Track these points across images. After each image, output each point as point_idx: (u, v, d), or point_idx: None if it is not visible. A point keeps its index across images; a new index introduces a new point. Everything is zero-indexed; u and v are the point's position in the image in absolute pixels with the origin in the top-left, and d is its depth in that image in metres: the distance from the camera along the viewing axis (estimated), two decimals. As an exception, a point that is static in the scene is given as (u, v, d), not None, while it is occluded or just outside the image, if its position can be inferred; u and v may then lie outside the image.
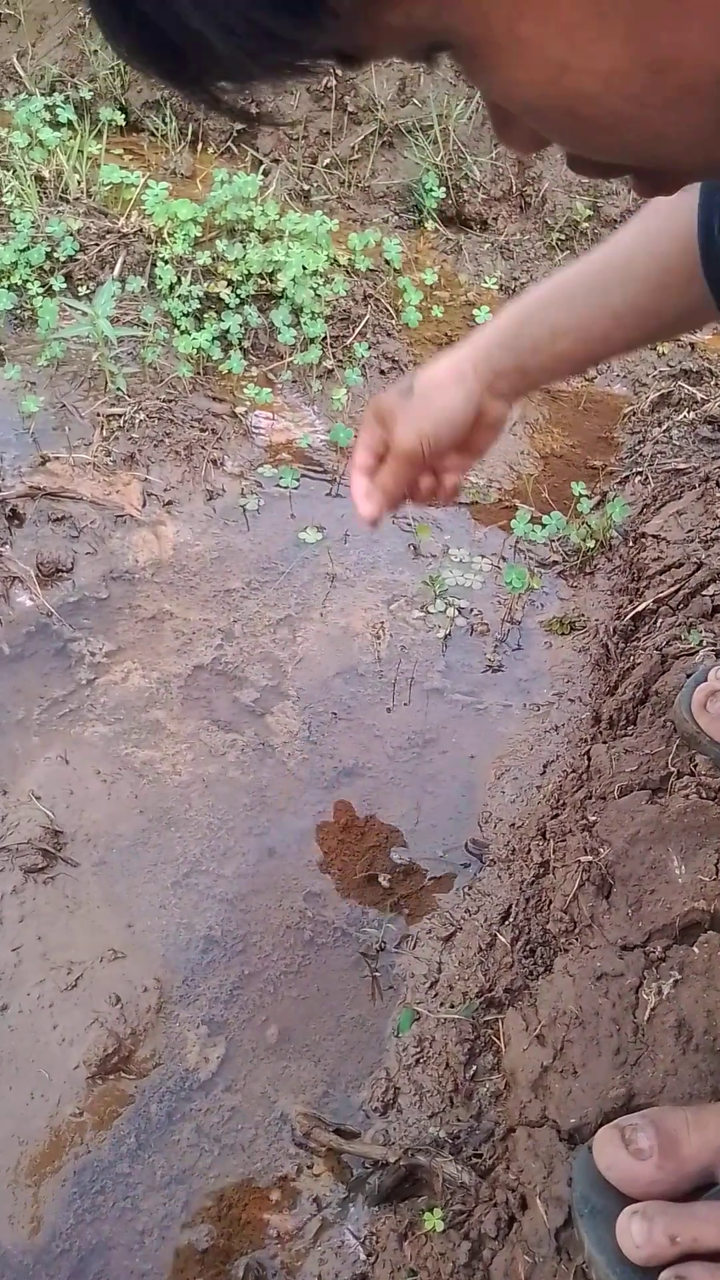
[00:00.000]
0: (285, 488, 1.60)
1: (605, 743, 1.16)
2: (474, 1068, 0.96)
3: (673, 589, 1.33)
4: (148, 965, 1.08)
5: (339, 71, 0.41)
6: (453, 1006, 1.02)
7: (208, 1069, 1.02)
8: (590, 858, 1.02)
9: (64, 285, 1.76)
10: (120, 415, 1.61)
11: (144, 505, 1.53)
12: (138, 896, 1.13)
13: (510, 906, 1.08)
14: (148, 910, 1.12)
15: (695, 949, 0.90)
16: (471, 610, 1.46)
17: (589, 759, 1.15)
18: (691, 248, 0.84)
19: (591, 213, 2.12)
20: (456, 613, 1.46)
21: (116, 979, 1.06)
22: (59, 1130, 0.97)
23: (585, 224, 2.11)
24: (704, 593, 1.31)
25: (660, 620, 1.31)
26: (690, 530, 1.42)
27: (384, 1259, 0.85)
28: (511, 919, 1.07)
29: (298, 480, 1.61)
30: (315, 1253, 0.90)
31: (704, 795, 1.03)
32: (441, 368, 0.91)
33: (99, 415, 1.61)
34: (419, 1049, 1.00)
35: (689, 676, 1.14)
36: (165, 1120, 0.98)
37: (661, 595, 1.34)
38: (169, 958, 1.09)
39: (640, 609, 1.35)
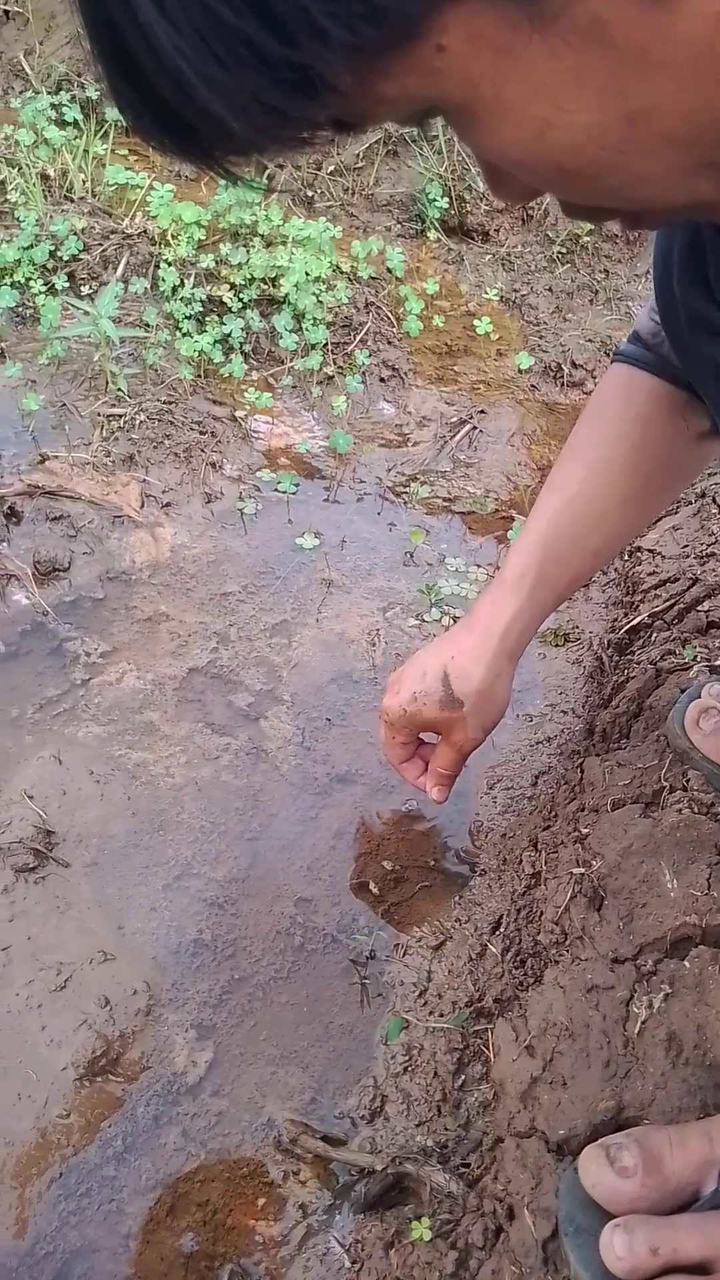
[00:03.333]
0: (283, 492, 1.60)
1: (598, 755, 1.17)
2: (462, 1077, 0.96)
3: (668, 604, 1.34)
4: (137, 968, 1.08)
5: (336, 138, 0.44)
6: (442, 1016, 1.02)
7: (196, 1073, 1.01)
8: (582, 870, 1.03)
9: (67, 284, 1.75)
10: (120, 416, 1.61)
11: (142, 506, 1.53)
12: (128, 898, 1.13)
13: (501, 917, 1.09)
14: (138, 912, 1.12)
15: (686, 963, 0.90)
16: (467, 620, 1.47)
17: (582, 771, 1.15)
18: (641, 380, 0.92)
19: (593, 226, 2.13)
20: (452, 621, 1.46)
21: (106, 981, 1.06)
22: (45, 1132, 0.96)
23: (586, 238, 2.13)
24: (699, 608, 1.31)
25: (655, 634, 1.32)
26: (686, 546, 1.43)
27: (369, 1267, 0.85)
28: (502, 929, 1.07)
29: (296, 485, 1.62)
30: (300, 1259, 0.90)
31: (696, 810, 1.04)
32: (479, 672, 0.99)
33: (99, 415, 1.61)
34: (407, 1057, 1.00)
35: (683, 692, 1.15)
36: (152, 1124, 0.98)
37: (656, 609, 1.35)
38: (159, 960, 1.08)
39: (635, 623, 1.36)
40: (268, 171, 2.13)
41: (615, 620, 1.41)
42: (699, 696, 1.11)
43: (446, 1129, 0.93)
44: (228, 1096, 1.00)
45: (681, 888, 0.97)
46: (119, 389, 1.62)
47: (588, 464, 0.94)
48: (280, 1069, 1.03)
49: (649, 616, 1.35)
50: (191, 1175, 0.95)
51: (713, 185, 0.44)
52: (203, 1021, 1.05)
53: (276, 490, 1.61)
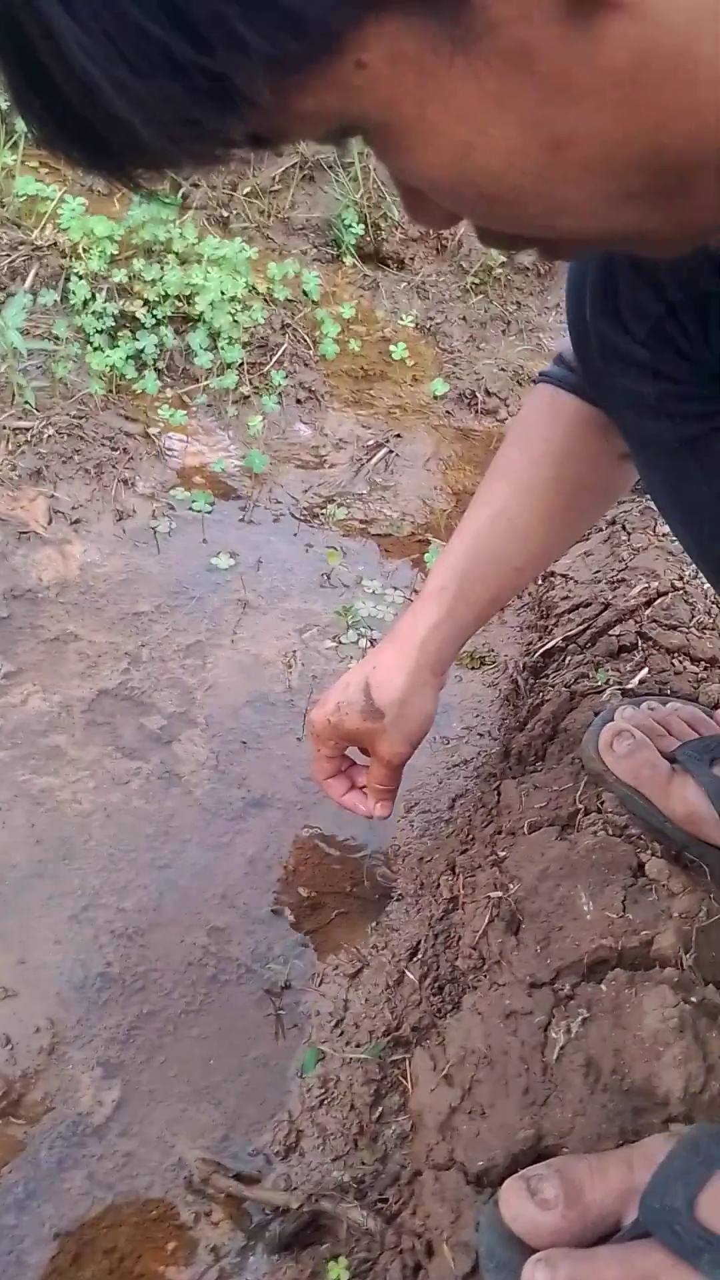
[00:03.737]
0: (198, 511, 1.58)
1: (515, 778, 1.17)
2: (380, 1109, 0.94)
3: (581, 627, 1.36)
4: (40, 1004, 1.03)
5: (253, 154, 0.43)
6: (359, 1046, 1.00)
7: (102, 1113, 0.97)
8: (500, 893, 1.02)
9: (-27, 294, 1.70)
10: (27, 430, 1.56)
11: (50, 522, 1.48)
12: (31, 931, 1.08)
13: (419, 942, 1.07)
14: (41, 945, 1.07)
15: (603, 986, 0.90)
16: (383, 642, 1.46)
17: (499, 794, 1.15)
18: (565, 401, 0.93)
19: (505, 259, 2.17)
20: (369, 643, 1.45)
21: (6, 1018, 1.01)
22: (-61, 1181, 0.91)
23: (499, 269, 2.17)
24: (610, 632, 1.33)
25: (569, 658, 1.33)
26: (598, 571, 1.45)
27: (284, 1311, 0.82)
28: (420, 955, 1.06)
29: (211, 505, 1.59)
30: (211, 1306, 0.86)
31: (610, 832, 1.04)
32: (399, 682, 0.98)
33: (4, 428, 1.56)
34: (323, 1090, 0.98)
35: (596, 715, 1.15)
36: (55, 1167, 0.93)
37: (570, 633, 1.36)
38: (63, 996, 1.04)
39: (549, 646, 1.37)
40: (182, 190, 2.12)
41: (530, 644, 1.42)
42: (612, 719, 1.12)
43: (364, 1163, 0.91)
44: (136, 1136, 0.96)
45: (597, 910, 0.97)
46: (26, 402, 1.58)
47: (511, 483, 0.95)
48: (191, 1106, 0.99)
49: (563, 640, 1.36)
50: (97, 1221, 0.91)
51: (633, 217, 0.44)
52: (109, 1059, 1.01)
53: (191, 509, 1.58)
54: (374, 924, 1.14)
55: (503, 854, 1.07)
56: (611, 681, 1.24)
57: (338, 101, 0.38)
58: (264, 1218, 0.90)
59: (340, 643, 1.45)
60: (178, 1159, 0.95)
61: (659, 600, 1.34)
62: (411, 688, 0.98)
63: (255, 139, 0.41)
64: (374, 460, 1.76)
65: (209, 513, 1.58)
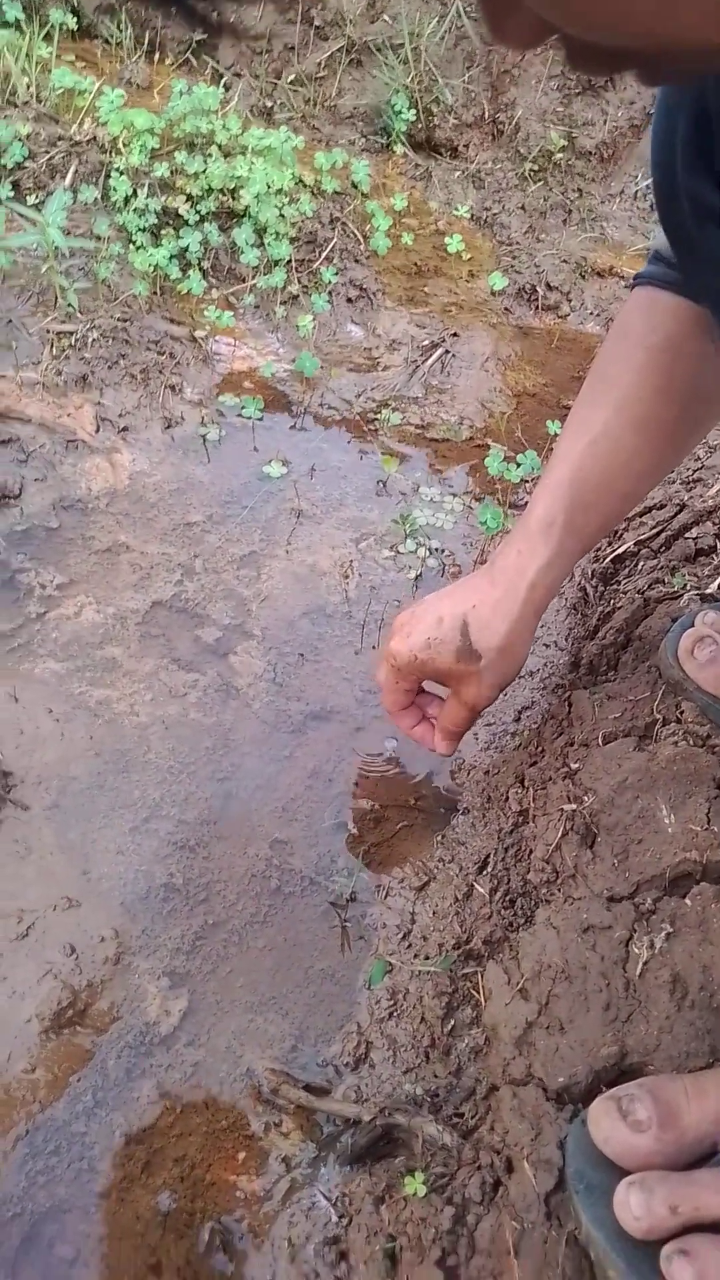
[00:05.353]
0: (248, 418, 1.52)
1: (586, 688, 1.11)
2: (452, 1022, 0.92)
3: (654, 531, 1.29)
4: (105, 914, 1.01)
5: None
6: (428, 959, 0.98)
7: (169, 1022, 0.96)
8: (574, 806, 0.98)
9: (11, 193, 1.63)
10: (71, 333, 1.50)
11: (97, 430, 1.43)
12: (93, 842, 1.07)
13: (488, 856, 1.04)
14: (104, 856, 1.06)
15: (688, 901, 0.86)
16: (443, 550, 1.40)
17: (570, 705, 1.10)
18: (665, 302, 0.84)
19: (566, 143, 2.04)
20: (428, 553, 1.40)
21: (71, 928, 1.00)
22: (10, 1088, 0.90)
23: (559, 154, 2.04)
24: (686, 535, 1.26)
25: (641, 563, 1.27)
26: (672, 471, 1.37)
27: (359, 1223, 0.80)
28: (489, 869, 1.02)
29: (261, 411, 1.53)
30: (284, 1215, 0.85)
31: (692, 743, 0.99)
32: (502, 627, 0.91)
33: (48, 332, 1.50)
34: (392, 1002, 0.96)
35: (675, 621, 1.10)
36: (124, 1077, 0.92)
37: (643, 537, 1.29)
38: (127, 906, 1.02)
39: (620, 551, 1.30)
40: (224, 80, 2.00)
41: (599, 549, 1.35)
42: (692, 625, 1.06)
43: (436, 1076, 0.89)
44: (204, 1046, 0.95)
45: (679, 823, 0.92)
46: (69, 305, 1.51)
47: (613, 398, 0.86)
48: (259, 1016, 0.98)
49: (635, 545, 1.29)
50: (167, 1130, 0.90)
51: None
52: (175, 969, 0.99)
53: (241, 415, 1.52)
54: (440, 837, 1.10)
55: (575, 766, 1.02)
56: (689, 586, 1.18)
57: None
58: (335, 1130, 0.89)
59: (398, 552, 1.39)
60: (246, 1069, 0.94)
61: (738, 501, 1.27)
62: (514, 633, 0.92)
63: None
64: (429, 361, 1.67)
65: (259, 419, 1.52)
